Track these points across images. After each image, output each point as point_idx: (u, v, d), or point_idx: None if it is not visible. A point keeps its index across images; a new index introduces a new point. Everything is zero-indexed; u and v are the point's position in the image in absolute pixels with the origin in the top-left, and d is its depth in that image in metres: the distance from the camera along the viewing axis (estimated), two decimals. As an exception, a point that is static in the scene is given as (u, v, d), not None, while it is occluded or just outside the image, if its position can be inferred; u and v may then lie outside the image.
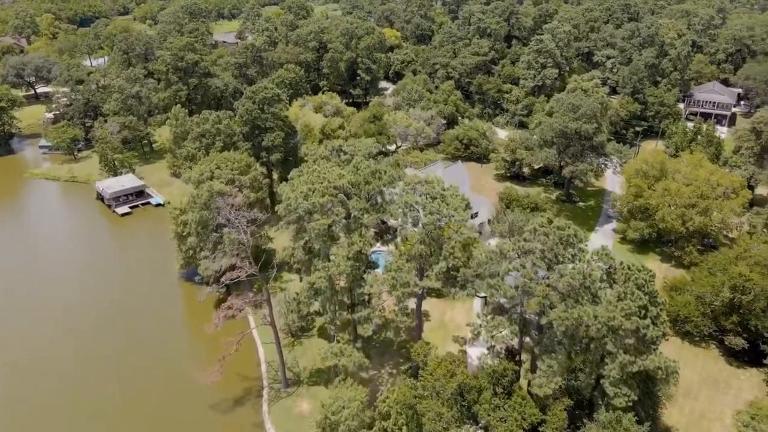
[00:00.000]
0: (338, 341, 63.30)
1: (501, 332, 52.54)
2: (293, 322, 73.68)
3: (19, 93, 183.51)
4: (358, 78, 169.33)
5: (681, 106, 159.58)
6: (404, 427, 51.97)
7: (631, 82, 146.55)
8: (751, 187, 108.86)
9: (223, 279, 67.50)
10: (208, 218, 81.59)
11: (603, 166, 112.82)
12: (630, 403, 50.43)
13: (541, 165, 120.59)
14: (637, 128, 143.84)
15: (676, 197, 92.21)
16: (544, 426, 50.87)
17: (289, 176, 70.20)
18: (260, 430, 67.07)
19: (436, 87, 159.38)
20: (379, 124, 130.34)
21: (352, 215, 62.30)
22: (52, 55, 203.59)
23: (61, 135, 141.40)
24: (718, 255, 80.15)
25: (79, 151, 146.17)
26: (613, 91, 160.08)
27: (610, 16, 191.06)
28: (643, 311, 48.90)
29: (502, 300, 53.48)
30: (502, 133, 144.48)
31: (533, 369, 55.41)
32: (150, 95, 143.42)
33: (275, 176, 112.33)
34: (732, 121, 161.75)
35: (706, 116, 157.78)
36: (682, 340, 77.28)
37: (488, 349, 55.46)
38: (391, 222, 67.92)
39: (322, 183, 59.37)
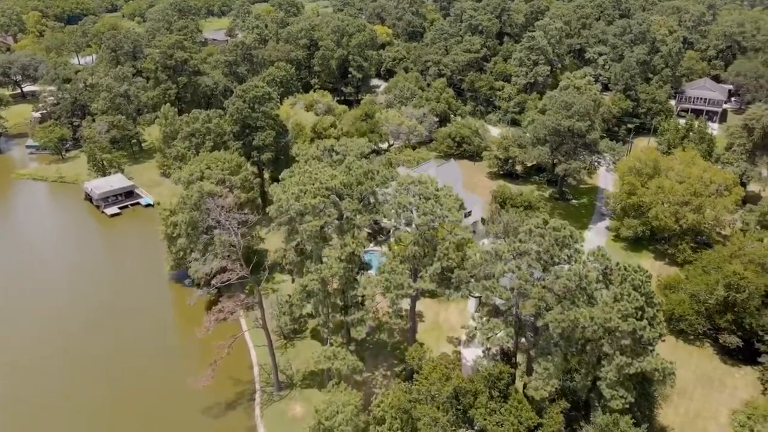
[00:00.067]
0: (331, 344, 62.46)
1: (496, 334, 51.89)
2: (285, 324, 72.79)
3: (6, 92, 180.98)
4: (349, 76, 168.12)
5: (672, 102, 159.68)
6: (399, 432, 51.33)
7: (623, 78, 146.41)
8: (743, 184, 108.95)
9: (213, 282, 66.41)
10: (198, 219, 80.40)
11: (596, 163, 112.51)
12: (627, 405, 49.99)
13: (534, 163, 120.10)
14: (629, 125, 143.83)
15: (670, 195, 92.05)
16: (540, 429, 50.34)
17: (280, 177, 69.18)
18: (253, 435, 66.31)
19: (428, 84, 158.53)
20: (371, 122, 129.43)
21: (345, 216, 61.43)
22: (39, 53, 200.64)
23: (49, 134, 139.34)
24: (712, 253, 79.98)
25: (67, 150, 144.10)
26: (605, 87, 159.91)
27: (601, 12, 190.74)
28: (639, 312, 48.42)
29: (498, 301, 52.78)
30: (495, 131, 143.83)
31: (529, 371, 54.85)
32: (139, 94, 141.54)
33: (266, 176, 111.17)
34: (723, 117, 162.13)
35: (697, 113, 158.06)
36: (677, 338, 77.06)
37: (484, 351, 54.85)
38: (384, 222, 67.11)
39: (313, 184, 58.41)
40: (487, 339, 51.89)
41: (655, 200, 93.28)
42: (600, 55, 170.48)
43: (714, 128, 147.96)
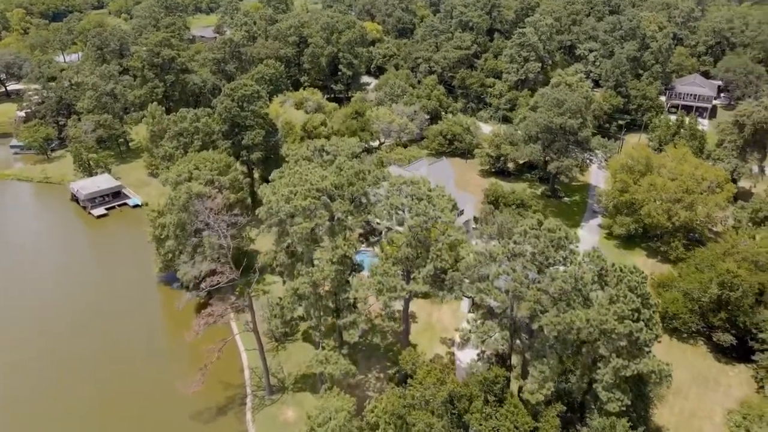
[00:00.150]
0: (323, 348, 61.43)
1: (491, 337, 51.13)
2: (276, 327, 71.67)
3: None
4: (339, 73, 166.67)
5: (663, 98, 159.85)
6: (393, 437, 50.47)
7: (614, 75, 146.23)
8: (734, 181, 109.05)
9: (203, 285, 65.13)
10: (186, 221, 79.00)
11: (588, 161, 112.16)
12: (623, 408, 49.45)
13: (526, 160, 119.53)
14: (620, 122, 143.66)
15: (662, 192, 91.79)
16: (536, 433, 49.72)
17: (270, 177, 67.96)
18: (244, 440, 65.26)
19: (419, 82, 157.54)
20: (361, 120, 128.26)
21: (336, 217, 60.37)
22: (24, 51, 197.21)
23: (34, 134, 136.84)
24: (705, 251, 79.81)
25: (53, 150, 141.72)
26: (596, 84, 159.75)
27: (591, 8, 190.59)
28: (635, 314, 47.84)
29: (493, 303, 52.02)
30: (486, 128, 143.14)
31: (524, 374, 54.18)
32: (125, 92, 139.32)
33: (256, 175, 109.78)
34: (713, 113, 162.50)
35: (687, 109, 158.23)
36: (670, 336, 76.74)
37: (478, 354, 54.10)
38: (376, 223, 66.09)
39: (304, 185, 57.25)
40: (482, 342, 51.11)
41: (648, 198, 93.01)
42: (590, 51, 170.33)
43: (704, 124, 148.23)
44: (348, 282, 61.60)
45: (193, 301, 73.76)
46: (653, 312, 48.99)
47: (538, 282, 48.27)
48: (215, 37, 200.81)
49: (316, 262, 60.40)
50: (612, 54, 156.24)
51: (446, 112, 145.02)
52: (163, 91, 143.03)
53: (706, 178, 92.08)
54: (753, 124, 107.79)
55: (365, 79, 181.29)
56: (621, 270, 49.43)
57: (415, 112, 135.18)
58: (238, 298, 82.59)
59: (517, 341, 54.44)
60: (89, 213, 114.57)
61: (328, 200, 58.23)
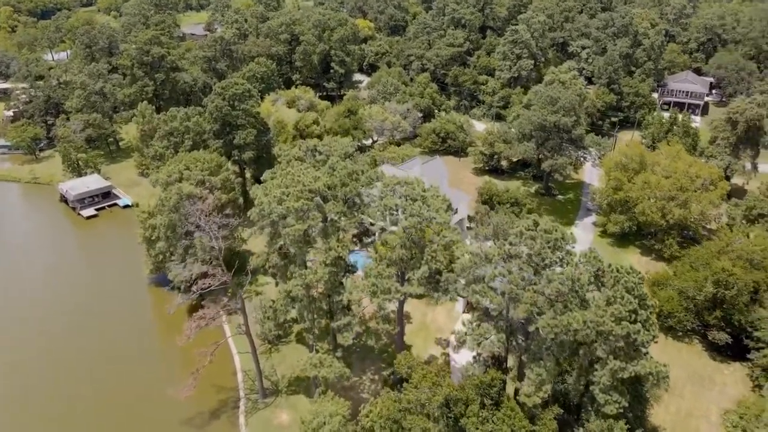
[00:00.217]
0: (317, 351, 60.65)
1: (487, 339, 50.52)
2: (270, 330, 70.73)
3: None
4: (331, 71, 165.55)
5: (655, 95, 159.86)
6: (388, 441, 49.78)
7: (607, 72, 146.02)
8: (727, 178, 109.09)
9: (194, 288, 64.11)
10: (177, 222, 77.91)
11: (582, 158, 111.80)
12: (621, 410, 49.02)
13: (520, 158, 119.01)
14: (613, 119, 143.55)
15: (656, 190, 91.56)
16: (533, 435, 49.19)
17: (261, 178, 67.03)
18: (237, 445, 64.43)
19: (411, 79, 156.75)
20: (354, 119, 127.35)
21: (329, 219, 59.52)
22: (11, 49, 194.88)
23: (21, 134, 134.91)
24: (700, 249, 79.55)
25: (41, 150, 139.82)
26: (589, 81, 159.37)
27: (584, 5, 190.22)
28: (633, 315, 47.37)
29: (488, 305, 51.38)
30: (479, 126, 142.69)
31: (520, 376, 53.65)
32: (115, 91, 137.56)
33: (248, 175, 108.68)
34: (705, 110, 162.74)
35: (679, 106, 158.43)
36: (666, 335, 76.52)
37: (474, 357, 53.50)
38: (370, 224, 65.29)
39: (296, 186, 56.35)
40: (478, 344, 50.49)
41: (642, 195, 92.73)
42: (583, 48, 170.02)
43: (696, 121, 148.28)
44: (342, 284, 60.82)
45: (183, 305, 72.51)
46: (650, 313, 48.53)
47: (535, 284, 47.66)
48: (206, 35, 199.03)
49: (309, 264, 59.58)
50: (604, 51, 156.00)
51: (439, 110, 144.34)
52: (153, 89, 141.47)
53: (699, 176, 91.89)
54: (746, 121, 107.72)
55: (357, 76, 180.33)
56: (618, 271, 48.93)
57: (408, 110, 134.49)
58: (231, 299, 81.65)
59: (513, 343, 53.87)
60: (78, 214, 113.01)
61: (321, 201, 57.38)
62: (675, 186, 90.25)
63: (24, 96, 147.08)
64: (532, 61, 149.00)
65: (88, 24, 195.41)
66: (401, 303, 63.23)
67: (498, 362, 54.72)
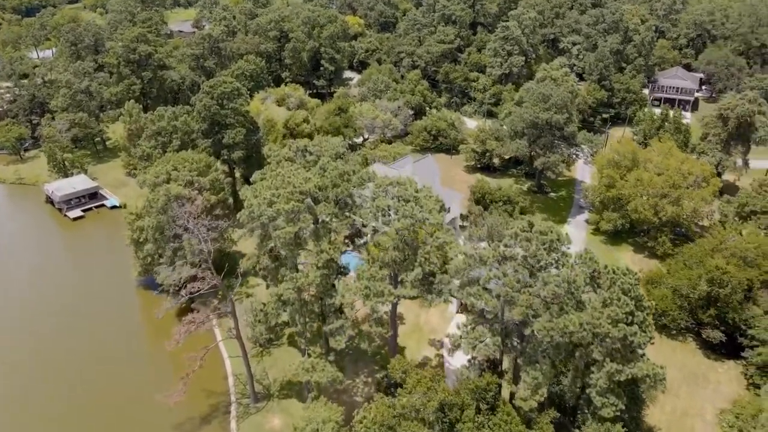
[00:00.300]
0: (309, 355, 59.65)
1: (483, 342, 49.73)
2: (261, 334, 69.62)
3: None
4: (321, 68, 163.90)
5: (646, 92, 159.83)
6: (383, 448, 48.88)
7: (598, 68, 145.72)
8: (718, 174, 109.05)
9: (183, 292, 62.81)
10: (165, 224, 76.48)
11: (574, 156, 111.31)
12: (618, 413, 48.46)
13: (512, 156, 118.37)
14: (604, 115, 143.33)
15: (649, 187, 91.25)
16: (529, 440, 48.56)
17: (251, 179, 65.82)
18: (229, 451, 63.37)
19: (402, 76, 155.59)
20: (345, 117, 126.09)
21: (320, 220, 58.45)
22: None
23: (6, 134, 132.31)
24: (693, 247, 79.24)
25: (26, 150, 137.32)
26: (580, 77, 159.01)
27: (574, 1, 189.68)
28: (629, 317, 46.78)
29: (484, 306, 50.59)
30: (471, 123, 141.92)
31: (515, 379, 52.96)
32: (101, 90, 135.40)
33: (238, 174, 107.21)
34: (695, 106, 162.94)
35: (670, 102, 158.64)
36: (660, 333, 76.04)
37: (469, 361, 52.75)
38: (362, 225, 64.25)
39: (286, 188, 55.20)
40: (473, 348, 49.71)
41: (634, 193, 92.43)
42: (574, 44, 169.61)
43: (687, 117, 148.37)
44: (334, 286, 59.80)
45: (172, 310, 71.11)
46: (647, 314, 47.95)
47: (530, 286, 46.91)
48: (194, 32, 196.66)
49: (300, 267, 58.51)
50: (595, 47, 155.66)
51: (430, 108, 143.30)
52: (141, 88, 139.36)
53: (692, 173, 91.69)
54: (737, 117, 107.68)
55: (348, 74, 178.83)
56: (614, 272, 48.31)
57: (398, 107, 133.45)
58: (221, 302, 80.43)
59: (508, 345, 53.12)
60: (65, 215, 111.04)
61: (312, 203, 56.28)
62: (667, 183, 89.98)
63: (8, 95, 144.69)
64: (523, 58, 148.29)
65: (73, 21, 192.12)
66: (394, 305, 62.32)
67: (493, 365, 53.99)
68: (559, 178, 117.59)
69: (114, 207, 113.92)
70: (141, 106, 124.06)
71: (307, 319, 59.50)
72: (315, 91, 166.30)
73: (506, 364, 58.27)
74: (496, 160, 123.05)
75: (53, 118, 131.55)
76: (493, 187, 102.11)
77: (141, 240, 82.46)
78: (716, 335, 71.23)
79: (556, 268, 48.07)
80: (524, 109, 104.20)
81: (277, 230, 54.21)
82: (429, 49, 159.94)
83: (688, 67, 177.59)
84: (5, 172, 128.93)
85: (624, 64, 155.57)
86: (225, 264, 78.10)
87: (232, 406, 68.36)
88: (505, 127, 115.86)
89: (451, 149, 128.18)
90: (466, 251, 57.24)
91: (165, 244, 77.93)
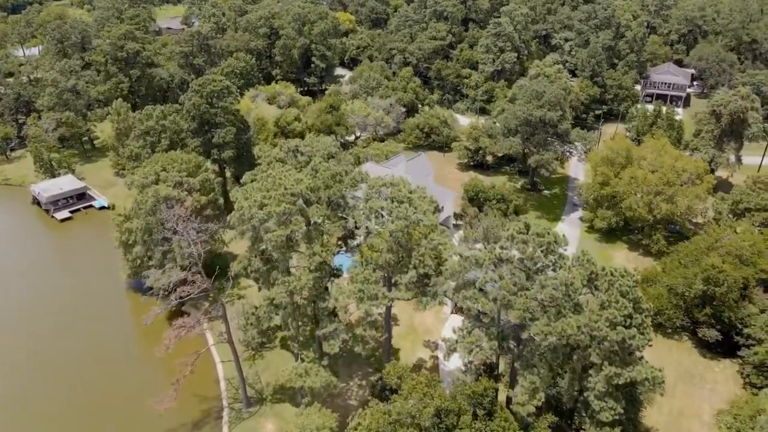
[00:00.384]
0: (303, 360, 58.59)
1: (479, 346, 48.86)
2: (253, 338, 68.46)
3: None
4: (312, 65, 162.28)
5: (638, 87, 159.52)
6: (377, 455, 47.93)
7: (590, 65, 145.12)
8: (711, 170, 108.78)
9: (173, 296, 61.44)
10: (154, 226, 75.04)
11: (568, 153, 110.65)
12: (617, 417, 47.80)
13: (505, 153, 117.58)
14: (597, 112, 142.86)
15: (643, 185, 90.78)
16: (527, 445, 47.86)
17: (241, 181, 64.55)
18: (221, 457, 62.27)
19: (394, 74, 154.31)
20: (336, 115, 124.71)
21: (313, 222, 57.28)
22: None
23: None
24: (689, 245, 78.77)
25: (12, 150, 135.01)
26: (572, 74, 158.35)
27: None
28: (627, 320, 46.06)
29: (480, 308, 49.69)
30: (463, 120, 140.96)
31: (512, 383, 52.18)
32: (88, 88, 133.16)
33: (228, 174, 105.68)
34: (687, 102, 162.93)
35: (662, 97, 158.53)
36: (655, 332, 75.48)
37: (466, 365, 51.91)
38: (355, 227, 63.14)
39: (278, 190, 53.99)
40: (469, 353, 48.83)
41: (629, 190, 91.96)
42: (566, 41, 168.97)
43: (679, 113, 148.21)
44: (327, 289, 58.71)
45: (160, 316, 69.55)
46: (645, 316, 47.26)
47: (527, 289, 46.06)
48: (183, 29, 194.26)
49: (292, 270, 57.37)
50: (587, 43, 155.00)
51: (423, 105, 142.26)
52: (129, 86, 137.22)
53: (686, 170, 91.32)
54: (730, 113, 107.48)
55: (339, 71, 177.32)
56: (612, 274, 47.56)
57: (391, 105, 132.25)
58: (212, 304, 79.07)
59: (505, 347, 52.28)
60: (52, 217, 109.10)
61: (304, 205, 55.10)
62: (662, 180, 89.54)
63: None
64: (516, 54, 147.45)
65: (59, 18, 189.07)
66: (388, 307, 61.37)
67: (489, 369, 53.19)
68: (553, 176, 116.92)
69: (102, 208, 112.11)
70: (129, 104, 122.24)
71: (300, 323, 58.40)
72: (306, 88, 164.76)
73: (502, 366, 57.56)
74: (489, 158, 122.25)
75: (39, 117, 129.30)
76: (487, 186, 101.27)
77: (130, 242, 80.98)
78: (712, 334, 70.86)
79: (553, 270, 47.27)
80: (517, 107, 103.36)
81: (269, 233, 53.01)
82: (421, 46, 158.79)
83: (679, 63, 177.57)
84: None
85: (616, 60, 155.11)
86: (216, 265, 76.80)
87: (224, 411, 67.24)
88: (498, 124, 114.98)
89: (444, 147, 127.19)
90: (461, 252, 56.42)
91: (154, 246, 76.55)
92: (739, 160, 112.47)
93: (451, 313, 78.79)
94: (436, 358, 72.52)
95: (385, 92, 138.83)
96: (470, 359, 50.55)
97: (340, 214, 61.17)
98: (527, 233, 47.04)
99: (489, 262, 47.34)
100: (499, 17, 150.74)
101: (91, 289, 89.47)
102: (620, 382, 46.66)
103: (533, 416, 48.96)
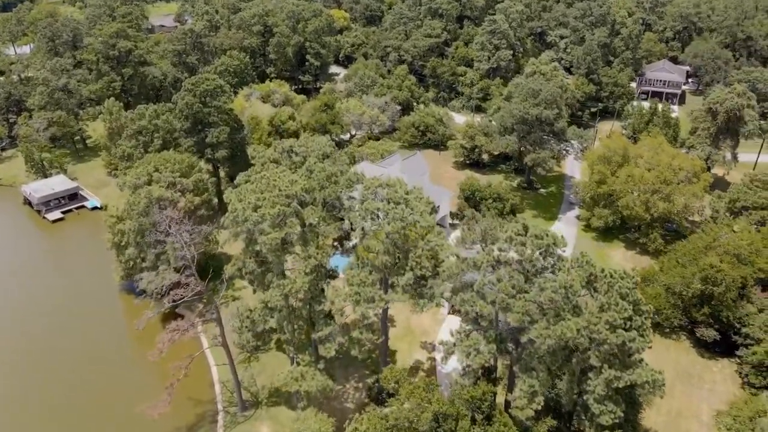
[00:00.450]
0: (298, 363, 57.83)
1: (477, 350, 48.23)
2: (248, 341, 67.47)
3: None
4: (307, 63, 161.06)
5: (633, 85, 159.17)
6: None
7: (585, 62, 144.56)
8: (707, 168, 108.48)
9: (166, 300, 60.63)
10: (147, 227, 74.00)
11: (564, 151, 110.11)
12: (616, 420, 47.29)
13: (501, 151, 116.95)
14: (593, 109, 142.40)
15: (640, 183, 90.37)
16: (526, 449, 47.31)
17: (235, 182, 63.63)
18: (216, 462, 61.50)
19: (389, 71, 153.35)
20: (331, 113, 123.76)
21: (308, 224, 56.46)
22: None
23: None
24: (686, 244, 78.36)
25: (3, 150, 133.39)
26: (568, 71, 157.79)
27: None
28: (627, 323, 45.52)
29: (478, 312, 49.04)
30: (459, 118, 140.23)
31: (510, 386, 51.60)
32: (80, 87, 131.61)
33: (222, 174, 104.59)
34: (682, 99, 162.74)
35: (657, 95, 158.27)
36: (653, 331, 74.92)
37: (464, 368, 51.27)
38: (351, 229, 62.35)
39: (272, 191, 53.15)
40: (467, 356, 48.18)
41: (625, 189, 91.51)
42: (561, 38, 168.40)
43: (674, 110, 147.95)
44: (323, 291, 58.00)
45: (152, 320, 68.61)
46: (645, 318, 46.73)
47: (526, 291, 45.43)
48: (176, 27, 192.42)
49: (288, 272, 56.57)
50: (583, 40, 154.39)
51: (418, 103, 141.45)
52: (121, 85, 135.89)
53: (683, 168, 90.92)
54: (726, 111, 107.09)
55: (334, 69, 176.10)
56: (611, 276, 46.96)
57: (386, 103, 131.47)
58: (206, 306, 78.20)
59: (503, 349, 51.67)
60: (44, 217, 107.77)
61: (299, 207, 54.27)
62: (659, 179, 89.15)
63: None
64: (511, 52, 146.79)
65: (51, 16, 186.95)
66: (385, 311, 60.67)
67: (487, 371, 52.58)
68: (549, 174, 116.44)
69: (95, 208, 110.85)
70: (121, 103, 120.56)
71: (296, 326, 57.61)
72: (300, 86, 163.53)
73: (499, 368, 56.95)
74: (485, 156, 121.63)
75: (30, 117, 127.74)
76: (483, 184, 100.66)
77: (122, 244, 79.89)
78: (710, 334, 70.50)
79: (552, 272, 46.65)
80: (513, 105, 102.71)
81: (263, 236, 52.17)
82: (416, 43, 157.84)
83: (674, 60, 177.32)
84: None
85: (611, 58, 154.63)
86: (210, 267, 76.00)
87: (219, 415, 66.46)
88: (494, 122, 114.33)
89: (440, 145, 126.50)
90: (458, 253, 55.77)
91: (147, 248, 75.51)
92: (735, 157, 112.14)
93: (449, 313, 78.20)
94: (434, 359, 71.91)
95: (380, 90, 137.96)
96: (468, 363, 49.85)
97: (335, 215, 60.33)
98: (525, 235, 46.40)
99: (487, 265, 46.66)
100: (494, 14, 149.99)
101: (84, 290, 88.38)
102: (621, 385, 46.10)
103: (532, 420, 48.39)
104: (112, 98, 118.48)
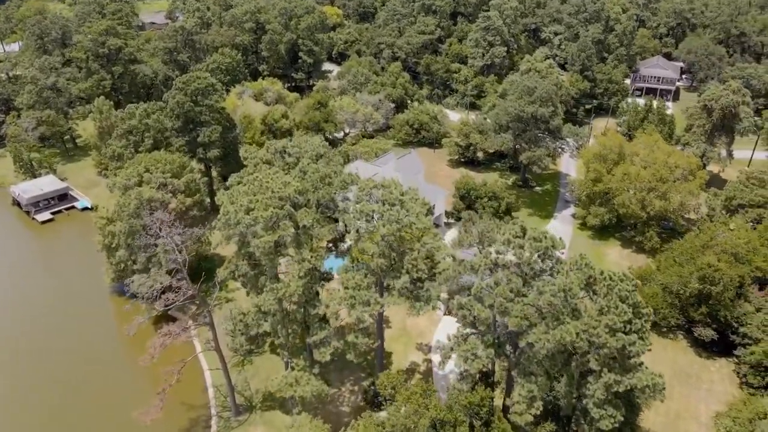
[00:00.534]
0: (293, 368, 56.85)
1: (475, 353, 47.41)
2: (241, 345, 66.45)
3: None
4: (300, 61, 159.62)
5: (627, 81, 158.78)
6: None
7: (580, 59, 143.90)
8: (703, 165, 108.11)
9: (157, 304, 59.44)
10: (137, 229, 72.74)
11: (560, 149, 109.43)
12: (616, 425, 46.64)
13: (496, 149, 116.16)
14: (587, 106, 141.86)
15: (636, 181, 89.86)
16: (525, 454, 46.61)
17: (227, 183, 62.49)
18: (210, 468, 60.51)
19: (383, 69, 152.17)
20: (324, 111, 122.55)
21: (302, 226, 55.41)
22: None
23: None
24: (683, 243, 77.85)
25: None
26: (562, 68, 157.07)
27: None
28: (627, 326, 44.82)
29: (476, 315, 48.22)
30: (453, 115, 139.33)
31: (508, 390, 50.85)
32: (69, 86, 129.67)
33: (215, 173, 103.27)
34: (676, 95, 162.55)
35: (651, 91, 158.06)
36: (651, 331, 74.72)
37: (462, 373, 50.48)
38: (345, 230, 61.37)
39: (265, 193, 52.06)
40: (465, 361, 47.36)
41: (621, 187, 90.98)
42: (555, 34, 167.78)
43: (669, 107, 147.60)
44: (317, 294, 57.03)
45: (144, 325, 67.37)
46: (645, 321, 46.05)
47: (524, 295, 44.62)
48: (167, 24, 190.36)
49: (281, 276, 55.53)
50: (577, 37, 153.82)
51: (412, 100, 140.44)
52: (111, 83, 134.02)
53: (679, 166, 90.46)
54: (721, 108, 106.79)
55: (327, 66, 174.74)
56: (611, 278, 46.22)
57: (380, 100, 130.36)
58: (199, 308, 77.06)
59: (501, 354, 50.91)
60: (33, 218, 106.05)
61: (293, 209, 53.20)
62: (655, 177, 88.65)
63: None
64: (505, 48, 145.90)
65: (39, 13, 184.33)
66: (380, 314, 59.74)
67: (485, 375, 51.82)
68: (545, 172, 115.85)
69: (85, 209, 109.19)
70: (112, 102, 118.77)
71: (290, 330, 56.62)
72: (293, 84, 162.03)
73: (498, 373, 56.21)
74: (480, 154, 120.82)
75: (19, 116, 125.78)
76: (478, 183, 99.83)
77: (113, 245, 78.56)
78: (708, 333, 70.05)
79: (551, 275, 45.88)
80: (508, 102, 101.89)
81: (256, 239, 51.10)
82: (409, 40, 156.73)
83: (668, 57, 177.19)
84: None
85: (606, 54, 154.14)
86: (203, 269, 74.94)
87: (212, 419, 65.43)
88: (489, 120, 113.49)
89: (434, 143, 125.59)
90: (454, 254, 54.94)
91: (138, 250, 74.24)
92: (730, 154, 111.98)
93: (444, 314, 77.39)
94: (430, 361, 71.15)
95: (374, 88, 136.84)
96: (466, 367, 49.04)
97: (329, 216, 59.30)
98: (524, 237, 45.58)
99: (485, 268, 45.83)
100: (488, 11, 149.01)
101: (74, 292, 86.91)
102: (621, 389, 45.44)
103: (531, 425, 47.70)
104: (102, 97, 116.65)
